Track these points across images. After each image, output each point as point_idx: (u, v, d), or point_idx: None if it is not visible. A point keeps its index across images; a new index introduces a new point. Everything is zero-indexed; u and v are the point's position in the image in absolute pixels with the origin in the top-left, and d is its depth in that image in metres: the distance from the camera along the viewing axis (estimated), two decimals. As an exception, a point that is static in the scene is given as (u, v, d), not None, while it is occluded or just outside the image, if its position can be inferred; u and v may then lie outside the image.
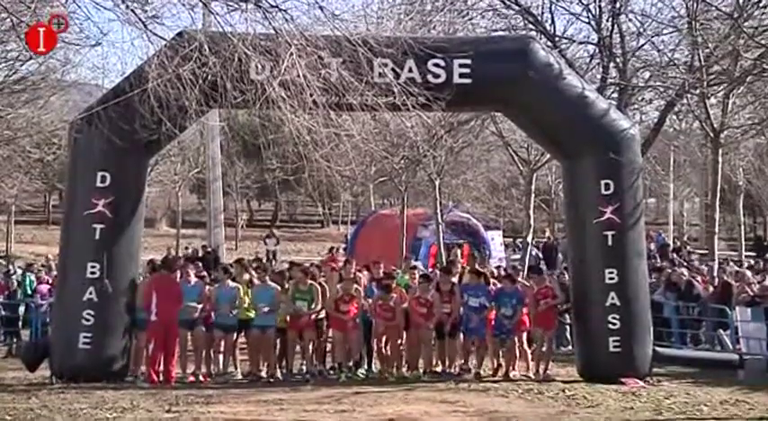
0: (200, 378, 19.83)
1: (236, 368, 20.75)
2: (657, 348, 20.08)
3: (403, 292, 20.98)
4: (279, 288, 20.43)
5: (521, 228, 41.45)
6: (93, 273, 18.87)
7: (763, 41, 29.00)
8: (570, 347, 23.50)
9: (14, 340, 25.21)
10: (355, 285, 20.73)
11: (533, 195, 36.50)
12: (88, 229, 19.08)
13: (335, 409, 16.04)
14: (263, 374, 20.21)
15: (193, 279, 20.28)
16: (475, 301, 20.33)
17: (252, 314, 20.15)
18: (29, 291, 26.90)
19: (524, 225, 37.15)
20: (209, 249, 40.10)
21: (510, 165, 39.99)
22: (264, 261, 35.17)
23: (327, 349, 21.22)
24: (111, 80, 29.44)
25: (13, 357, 22.79)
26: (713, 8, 28.78)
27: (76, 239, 19.45)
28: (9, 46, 25.68)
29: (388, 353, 20.74)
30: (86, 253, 19.07)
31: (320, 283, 20.75)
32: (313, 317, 20.35)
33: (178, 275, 20.24)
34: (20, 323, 25.55)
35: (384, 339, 20.77)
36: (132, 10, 15.25)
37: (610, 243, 19.84)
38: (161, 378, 19.06)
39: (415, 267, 24.09)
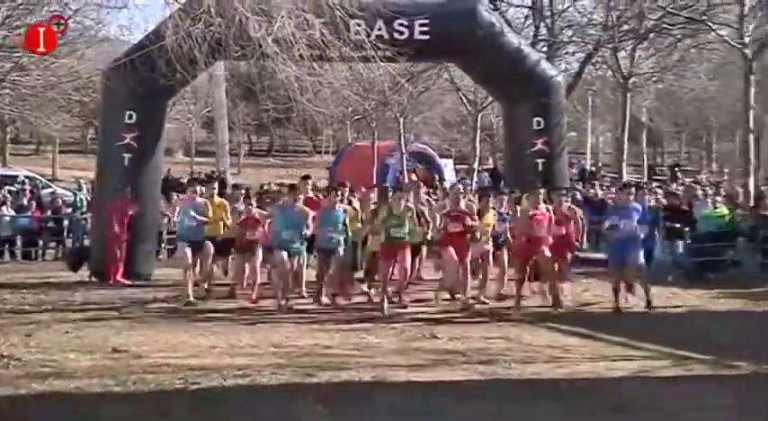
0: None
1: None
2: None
3: None
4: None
5: (468, 157, 41.37)
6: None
7: (662, 4, 29.06)
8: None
9: (60, 247, 25.13)
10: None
11: (479, 131, 36.54)
12: (118, 158, 19.02)
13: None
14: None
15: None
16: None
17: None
18: (80, 207, 26.62)
19: (471, 155, 37.21)
20: (217, 173, 39.92)
21: (460, 106, 39.83)
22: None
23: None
24: (135, 36, 29.12)
25: (60, 260, 22.73)
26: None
27: (109, 166, 19.35)
28: (52, 7, 25.42)
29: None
30: (117, 177, 18.99)
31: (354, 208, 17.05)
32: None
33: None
34: (65, 233, 25.43)
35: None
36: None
37: (540, 169, 19.88)
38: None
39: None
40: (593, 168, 48.32)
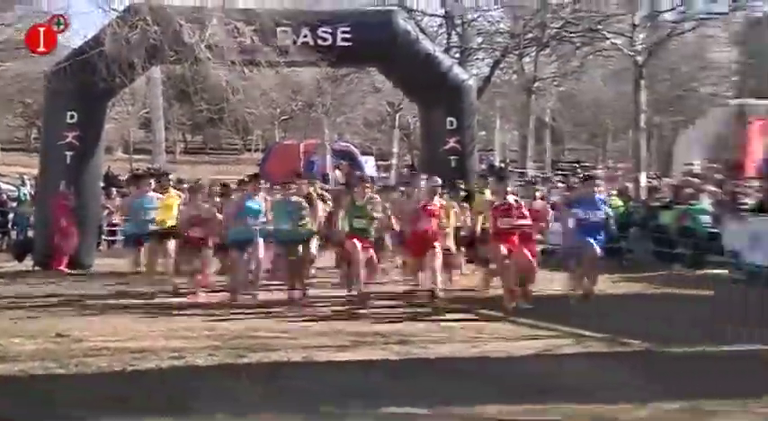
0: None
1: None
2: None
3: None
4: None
5: (387, 154, 41.47)
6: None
7: (563, 15, 29.46)
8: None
9: (6, 238, 24.63)
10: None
11: (397, 130, 36.67)
12: (61, 156, 18.74)
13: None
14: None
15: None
16: None
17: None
18: (23, 201, 25.98)
19: (390, 152, 37.34)
20: (153, 169, 39.43)
21: (380, 107, 39.88)
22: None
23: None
24: (75, 42, 28.59)
25: (5, 252, 22.29)
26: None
27: (51, 163, 19.06)
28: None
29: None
30: (60, 174, 18.74)
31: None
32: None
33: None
34: (9, 225, 24.92)
35: None
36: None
37: (452, 165, 19.96)
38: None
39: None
40: (502, 164, 48.72)
